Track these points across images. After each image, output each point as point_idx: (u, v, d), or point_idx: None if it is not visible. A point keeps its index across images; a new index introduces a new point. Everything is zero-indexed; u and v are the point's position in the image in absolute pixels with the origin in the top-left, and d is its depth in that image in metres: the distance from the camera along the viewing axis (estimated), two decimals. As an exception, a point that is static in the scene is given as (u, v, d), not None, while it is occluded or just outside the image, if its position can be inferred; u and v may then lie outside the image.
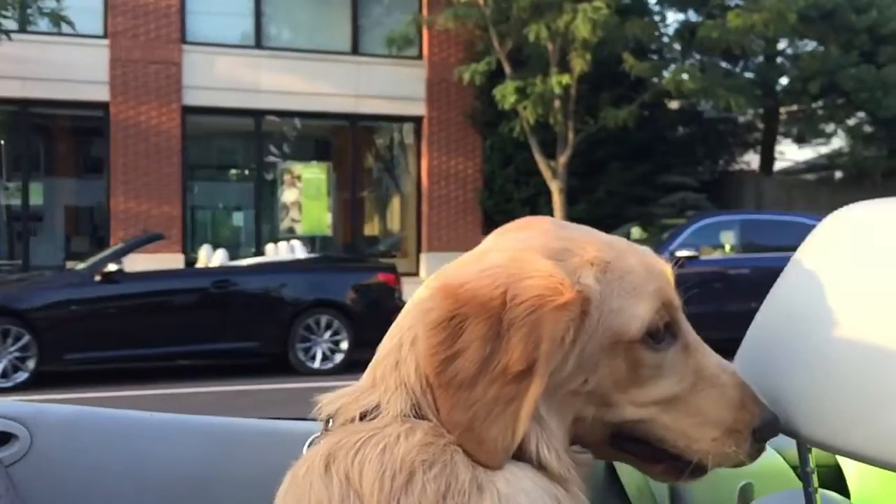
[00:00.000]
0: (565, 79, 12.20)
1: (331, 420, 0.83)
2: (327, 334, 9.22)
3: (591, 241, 0.86)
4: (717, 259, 10.37)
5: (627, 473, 1.24)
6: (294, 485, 0.79)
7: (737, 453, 0.86)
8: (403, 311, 0.87)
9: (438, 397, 0.78)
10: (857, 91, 15.14)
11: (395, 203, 17.75)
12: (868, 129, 16.94)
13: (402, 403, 0.80)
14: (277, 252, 10.31)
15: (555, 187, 13.52)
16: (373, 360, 0.86)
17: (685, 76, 12.70)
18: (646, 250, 0.89)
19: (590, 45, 11.87)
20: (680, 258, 10.00)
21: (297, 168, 16.14)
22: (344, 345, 9.22)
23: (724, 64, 16.86)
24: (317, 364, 9.14)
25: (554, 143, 13.68)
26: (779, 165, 20.78)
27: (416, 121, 16.66)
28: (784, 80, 16.87)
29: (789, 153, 22.39)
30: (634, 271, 0.85)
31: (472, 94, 15.77)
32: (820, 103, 16.64)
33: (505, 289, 0.78)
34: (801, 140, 19.78)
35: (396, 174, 17.64)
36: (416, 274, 16.46)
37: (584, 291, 0.80)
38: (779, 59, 17.50)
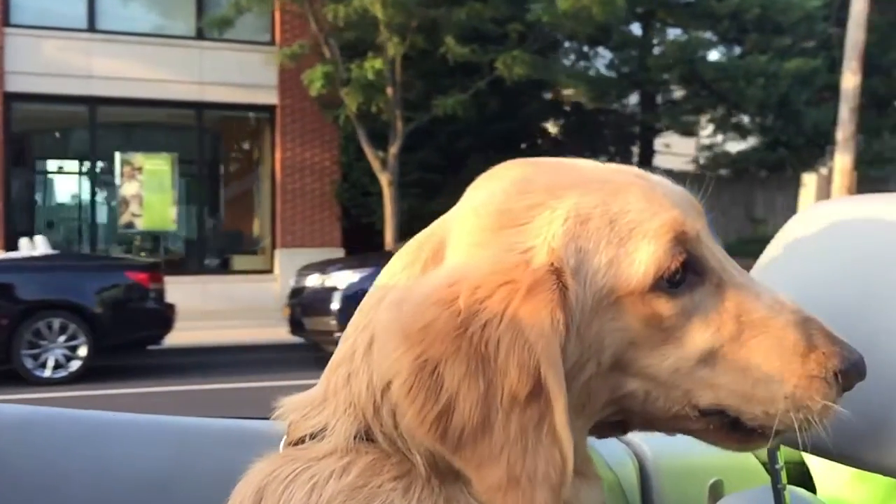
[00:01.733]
0: (377, 63, 11.51)
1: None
2: (61, 339, 8.39)
3: (574, 185, 0.73)
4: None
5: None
6: None
7: (825, 406, 0.71)
8: (359, 308, 0.78)
9: (457, 464, 0.67)
10: (719, 80, 14.59)
11: (247, 197, 16.90)
12: (743, 119, 16.43)
13: (349, 427, 0.73)
14: (34, 247, 9.47)
15: (384, 180, 12.81)
16: (328, 366, 0.78)
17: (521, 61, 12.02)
18: (660, 180, 0.75)
19: (403, 28, 11.20)
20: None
21: (138, 159, 15.22)
22: (82, 350, 8.42)
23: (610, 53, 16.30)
24: (48, 373, 8.32)
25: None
26: (668, 159, 20.26)
27: (269, 110, 15.82)
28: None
29: (683, 146, 21.83)
30: (631, 209, 0.72)
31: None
32: (683, 93, 16.08)
33: (460, 305, 0.67)
34: (687, 133, 19.28)
35: (248, 166, 16.82)
36: (271, 271, 15.67)
37: (550, 262, 0.69)
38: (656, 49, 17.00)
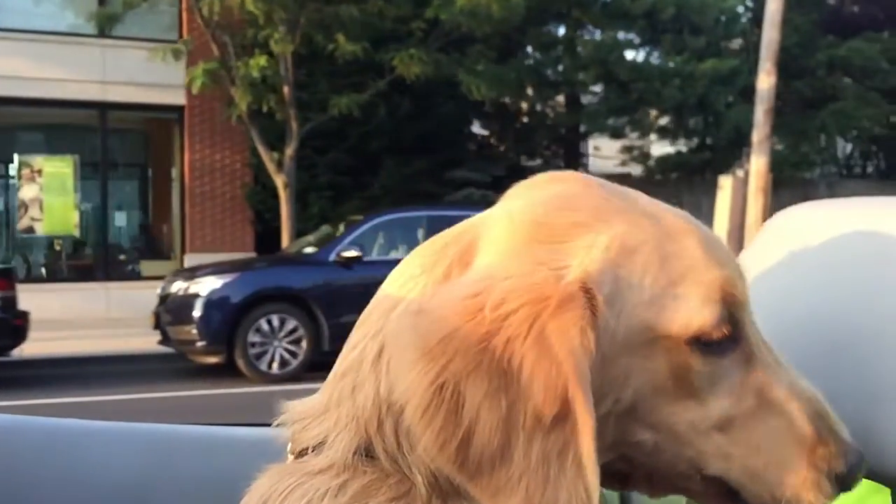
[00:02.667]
0: (262, 61, 11.12)
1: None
2: None
3: (624, 213, 0.69)
4: (389, 260, 9.36)
5: None
6: None
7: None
8: (367, 310, 0.74)
9: (472, 491, 0.63)
10: (634, 81, 14.34)
11: (156, 200, 16.41)
12: (663, 122, 16.19)
13: (349, 442, 0.69)
14: None
15: (280, 182, 12.40)
16: (332, 372, 0.74)
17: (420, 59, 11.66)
18: (712, 232, 0.72)
19: (290, 25, 10.81)
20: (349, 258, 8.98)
21: (38, 161, 14.69)
22: None
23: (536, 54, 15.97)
24: None
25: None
26: (600, 162, 20.02)
27: (177, 110, 15.36)
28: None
29: (613, 149, 21.61)
30: (686, 255, 0.69)
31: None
32: (600, 95, 15.82)
33: (485, 317, 0.63)
34: (617, 135, 19.05)
35: (156, 168, 16.33)
36: (180, 277, 15.21)
37: (582, 282, 0.65)
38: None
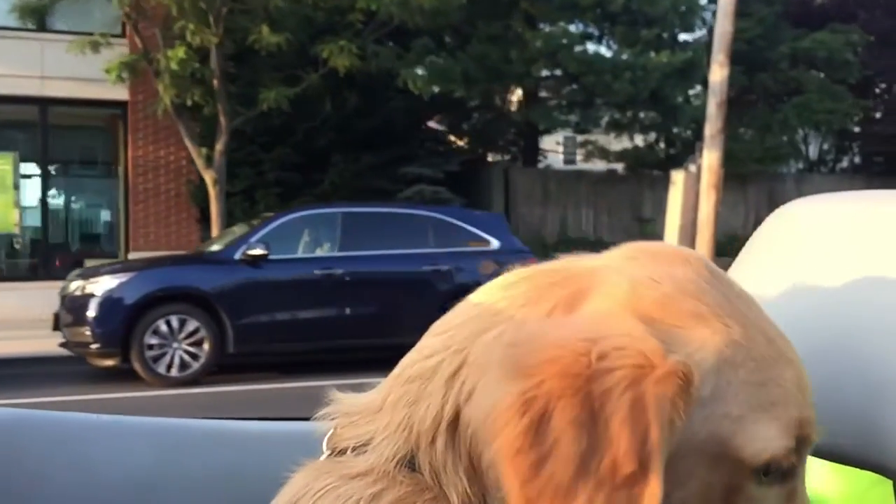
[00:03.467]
0: (181, 52, 10.79)
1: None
2: None
3: (740, 321, 0.69)
4: (298, 259, 9.03)
5: None
6: None
7: None
8: (449, 321, 0.72)
9: None
10: (584, 74, 13.97)
11: (99, 197, 16.10)
12: (617, 116, 15.80)
13: (395, 450, 0.68)
14: None
15: (209, 178, 12.08)
16: (395, 373, 0.72)
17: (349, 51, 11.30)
18: (805, 373, 0.73)
19: (207, 15, 10.47)
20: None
21: (-25, 159, 14.37)
22: None
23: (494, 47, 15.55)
24: None
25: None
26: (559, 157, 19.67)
27: (120, 106, 15.05)
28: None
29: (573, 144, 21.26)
30: (783, 385, 0.69)
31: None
32: (550, 89, 15.43)
33: (589, 352, 0.63)
34: (579, 131, 18.69)
35: (100, 165, 16.01)
36: (124, 276, 14.89)
37: (685, 367, 0.63)
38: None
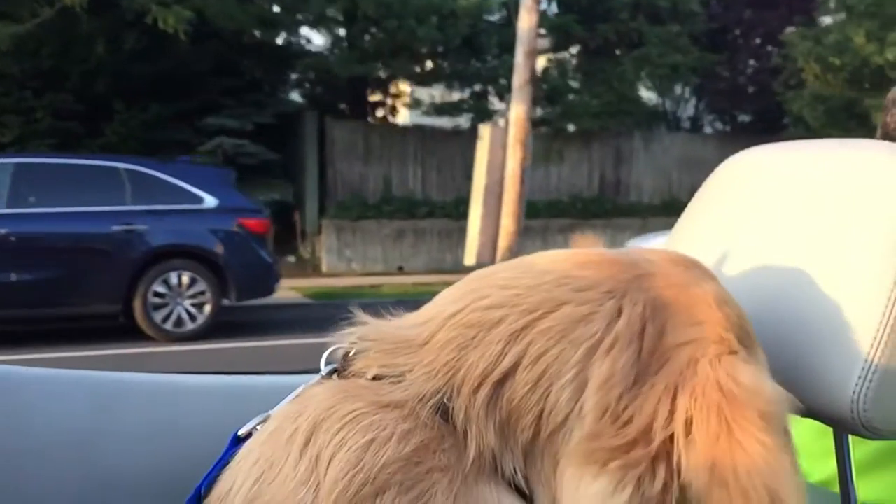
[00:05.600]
0: None
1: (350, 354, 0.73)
2: None
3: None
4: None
5: None
6: (276, 440, 0.69)
7: None
8: (517, 271, 0.74)
9: (586, 449, 0.68)
10: (384, 18, 12.83)
11: None
12: (432, 67, 14.69)
13: (434, 389, 0.68)
14: None
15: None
16: (446, 312, 0.72)
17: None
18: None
19: None
20: None
21: None
22: None
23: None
24: None
25: None
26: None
27: None
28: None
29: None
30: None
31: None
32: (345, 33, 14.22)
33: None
34: (422, 82, 17.51)
35: None
36: None
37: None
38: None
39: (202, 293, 8.59)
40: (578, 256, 0.74)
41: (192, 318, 8.59)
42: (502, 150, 13.09)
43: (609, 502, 0.64)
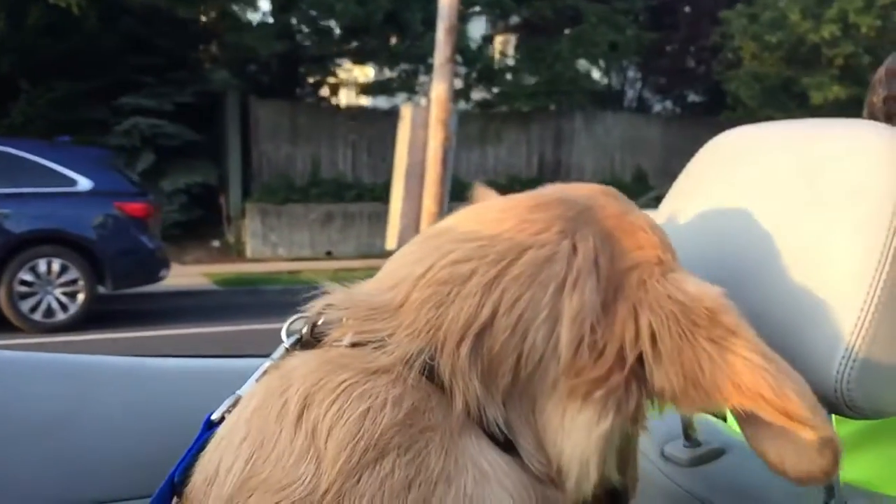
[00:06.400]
0: None
1: (317, 323, 0.72)
2: None
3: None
4: None
5: None
6: (264, 417, 0.67)
7: None
8: (475, 224, 0.76)
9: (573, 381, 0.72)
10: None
11: None
12: (355, 44, 14.17)
13: (419, 350, 0.68)
14: None
15: None
16: (414, 273, 0.72)
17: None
18: None
19: None
20: None
21: None
22: None
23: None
24: None
25: None
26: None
27: None
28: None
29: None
30: None
31: None
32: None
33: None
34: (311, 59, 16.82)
35: None
36: None
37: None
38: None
39: (74, 281, 8.10)
40: (527, 200, 0.76)
41: (64, 307, 8.10)
42: (423, 130, 12.63)
43: (595, 430, 0.68)
